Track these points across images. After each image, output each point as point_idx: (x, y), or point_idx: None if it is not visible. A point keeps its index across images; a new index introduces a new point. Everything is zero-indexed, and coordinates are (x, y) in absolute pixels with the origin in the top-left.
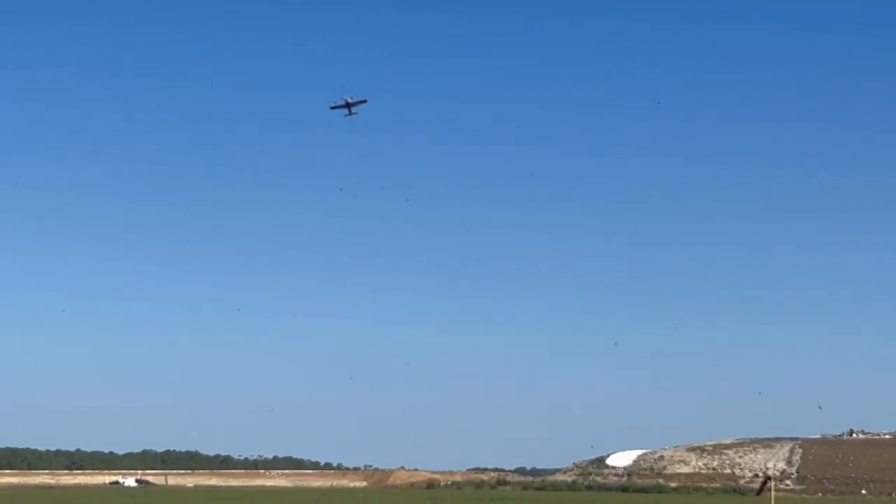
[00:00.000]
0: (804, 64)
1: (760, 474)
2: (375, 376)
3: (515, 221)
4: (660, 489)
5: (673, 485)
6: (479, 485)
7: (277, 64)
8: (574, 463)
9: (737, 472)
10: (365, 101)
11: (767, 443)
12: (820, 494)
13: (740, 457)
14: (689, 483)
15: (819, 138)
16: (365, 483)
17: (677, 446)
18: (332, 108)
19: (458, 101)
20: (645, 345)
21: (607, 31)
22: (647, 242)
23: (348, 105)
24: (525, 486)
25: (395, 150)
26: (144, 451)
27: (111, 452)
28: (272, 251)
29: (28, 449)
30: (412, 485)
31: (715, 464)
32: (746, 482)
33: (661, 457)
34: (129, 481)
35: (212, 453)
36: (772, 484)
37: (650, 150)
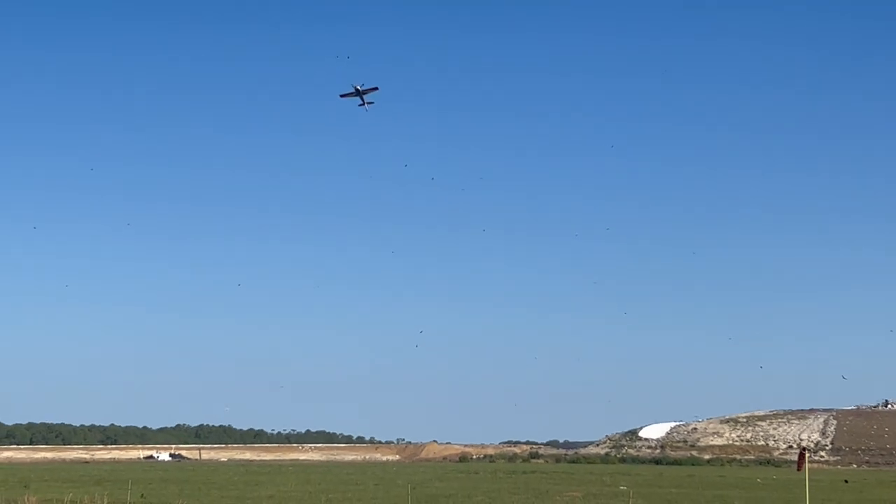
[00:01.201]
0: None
1: (795, 446)
2: (407, 350)
3: (549, 195)
4: (693, 461)
5: (706, 457)
6: (512, 458)
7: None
8: (607, 436)
9: (770, 443)
10: (376, 89)
11: (801, 414)
12: (854, 466)
13: (774, 428)
14: (723, 455)
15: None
16: (397, 456)
17: (710, 418)
18: (341, 96)
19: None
20: (678, 316)
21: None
22: (679, 214)
23: (359, 93)
24: (558, 459)
25: (419, 129)
26: (178, 426)
27: (145, 427)
28: (302, 222)
29: (63, 424)
30: (445, 458)
31: (749, 436)
32: (780, 454)
33: (695, 429)
34: (163, 455)
35: (245, 427)
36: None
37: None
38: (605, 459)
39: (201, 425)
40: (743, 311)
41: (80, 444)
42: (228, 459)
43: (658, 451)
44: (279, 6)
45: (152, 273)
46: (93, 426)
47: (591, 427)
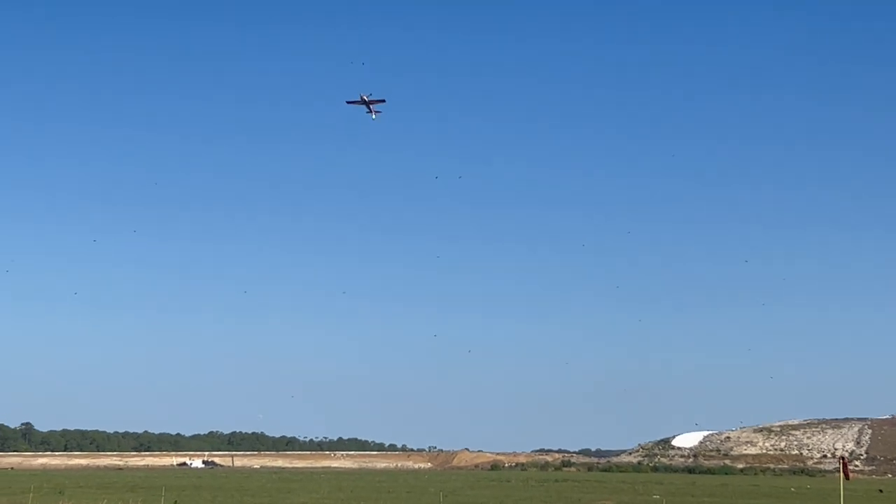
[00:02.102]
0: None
1: (829, 455)
2: (440, 359)
3: (577, 205)
4: (726, 470)
5: (740, 466)
6: (544, 466)
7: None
8: (639, 444)
9: (805, 452)
10: (383, 101)
11: (836, 423)
12: (890, 475)
13: (808, 437)
14: (757, 464)
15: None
16: (429, 464)
17: (744, 427)
18: (348, 102)
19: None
20: (710, 325)
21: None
22: (708, 218)
23: (365, 102)
24: (590, 468)
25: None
26: (211, 433)
27: (178, 434)
28: (332, 231)
29: (97, 431)
30: (476, 466)
31: (782, 445)
32: (814, 463)
33: (728, 438)
34: (196, 462)
35: (277, 435)
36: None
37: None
38: (638, 468)
39: (234, 432)
40: (777, 319)
41: (114, 451)
42: (261, 467)
43: (691, 459)
44: (291, 8)
45: (187, 281)
46: (126, 433)
47: (623, 435)
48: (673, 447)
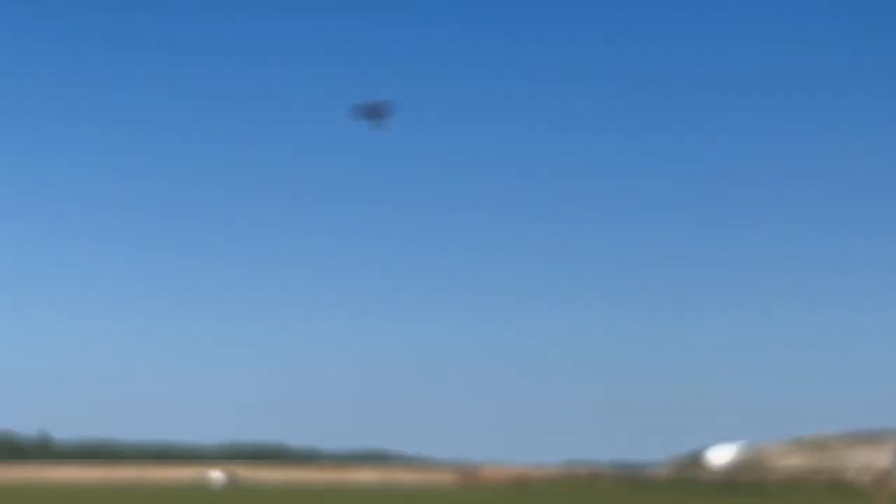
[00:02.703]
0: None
1: (867, 470)
2: (463, 369)
3: (601, 211)
4: (761, 485)
5: (775, 480)
6: (572, 479)
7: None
8: (671, 457)
9: (842, 466)
10: (392, 110)
11: (875, 436)
12: None
13: (846, 451)
14: (792, 478)
15: None
16: (454, 477)
17: (779, 440)
18: (352, 108)
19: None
20: (743, 334)
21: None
22: (746, 225)
23: (372, 108)
24: (620, 482)
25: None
26: (232, 444)
27: (199, 445)
28: (356, 244)
29: (116, 441)
30: (502, 479)
31: (819, 458)
32: (854, 478)
33: (762, 451)
34: (217, 474)
35: (300, 446)
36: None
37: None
38: (670, 484)
39: (256, 444)
40: (813, 327)
41: (133, 461)
42: (283, 479)
43: (724, 474)
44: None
45: (210, 295)
46: (145, 443)
47: (654, 447)
48: (705, 461)
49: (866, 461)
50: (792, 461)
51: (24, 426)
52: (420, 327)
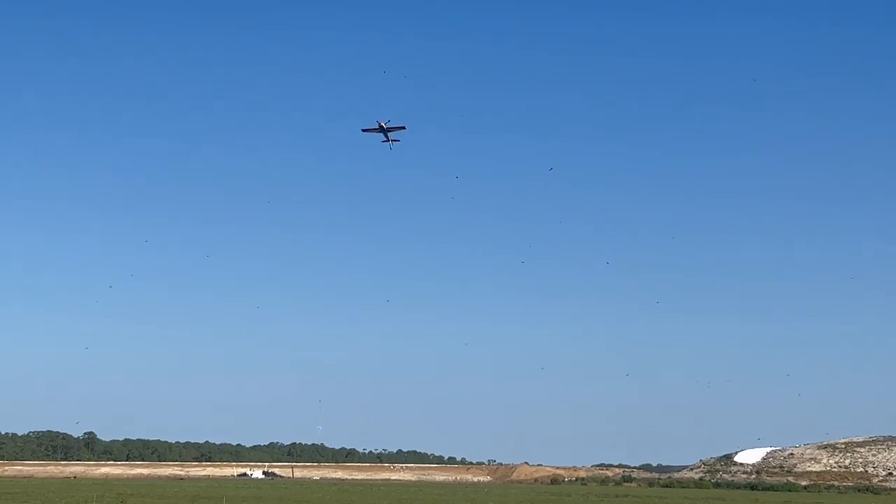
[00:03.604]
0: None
1: (895, 472)
2: (500, 373)
3: (643, 224)
4: (790, 487)
5: (803, 483)
6: (604, 481)
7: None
8: (701, 460)
9: (870, 470)
10: (403, 128)
11: None
12: None
13: (873, 455)
14: (820, 481)
15: None
16: (488, 477)
17: (808, 444)
18: (363, 130)
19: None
20: (773, 340)
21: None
22: (779, 237)
23: (383, 130)
24: (651, 483)
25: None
26: (271, 444)
27: (239, 445)
28: (396, 248)
29: (158, 441)
30: (536, 480)
31: (847, 462)
32: (880, 481)
33: (791, 454)
34: (257, 473)
35: (337, 446)
36: None
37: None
38: (699, 484)
39: (294, 443)
40: (841, 334)
41: (176, 461)
42: (321, 478)
43: (753, 476)
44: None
45: (248, 295)
46: (188, 443)
47: (684, 451)
48: (735, 463)
49: (893, 464)
50: (819, 464)
51: (72, 427)
52: (458, 333)
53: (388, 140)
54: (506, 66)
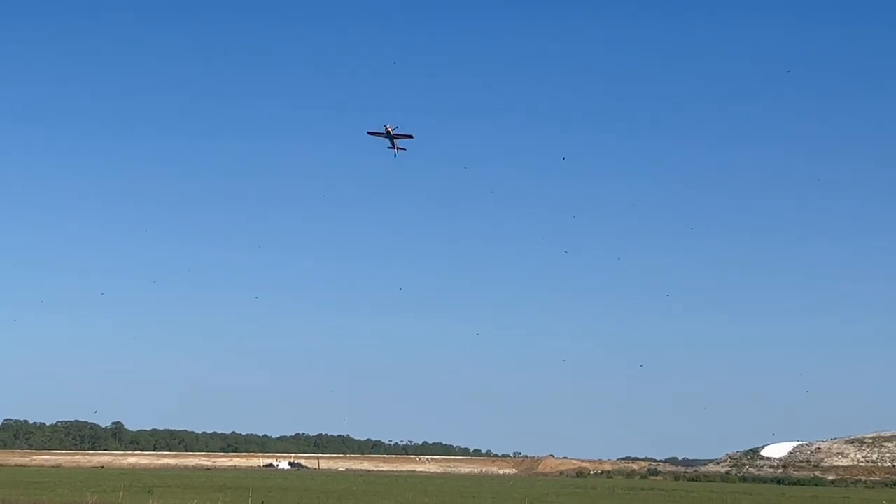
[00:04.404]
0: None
1: None
2: (525, 365)
3: (667, 222)
4: (816, 482)
5: (830, 478)
6: (630, 474)
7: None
8: (727, 454)
9: None
10: (410, 137)
11: None
12: None
13: None
14: (847, 476)
15: None
16: (514, 470)
17: (835, 438)
18: (369, 133)
19: None
20: (801, 336)
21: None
22: (804, 234)
23: (390, 135)
24: (677, 477)
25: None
26: (297, 435)
27: (265, 436)
28: (422, 239)
29: (186, 431)
30: (561, 472)
31: (874, 456)
32: None
33: (818, 448)
34: (283, 464)
35: (363, 438)
36: None
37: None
38: (726, 478)
39: (320, 435)
40: (870, 330)
41: (202, 452)
42: (346, 469)
43: (780, 470)
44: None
45: (274, 288)
46: (214, 434)
47: (711, 444)
48: (762, 457)
49: None
50: (847, 458)
51: (100, 417)
52: (483, 325)
53: (394, 147)
54: (517, 57)
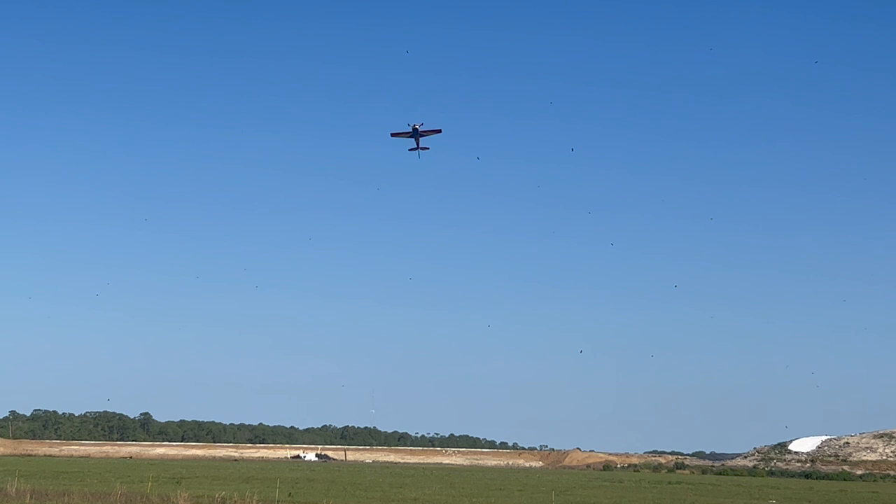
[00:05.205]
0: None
1: None
2: (553, 359)
3: (696, 220)
4: (845, 476)
5: (859, 472)
6: (657, 468)
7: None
8: (755, 448)
9: None
10: (439, 131)
11: None
12: None
13: None
14: (876, 471)
15: None
16: (540, 463)
17: (863, 433)
18: (393, 134)
19: None
20: (828, 330)
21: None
22: (830, 230)
23: (416, 133)
24: (704, 471)
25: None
26: (324, 427)
27: (292, 427)
28: (448, 231)
29: (213, 423)
30: (588, 466)
31: None
32: None
33: (847, 443)
34: (310, 455)
35: (390, 430)
36: None
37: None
38: (753, 472)
39: (347, 426)
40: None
41: (230, 443)
42: (373, 461)
43: (808, 464)
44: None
45: (301, 281)
46: (242, 425)
47: (738, 439)
48: (789, 451)
49: None
50: (875, 453)
51: (129, 408)
52: (511, 319)
53: (419, 147)
54: (527, 50)
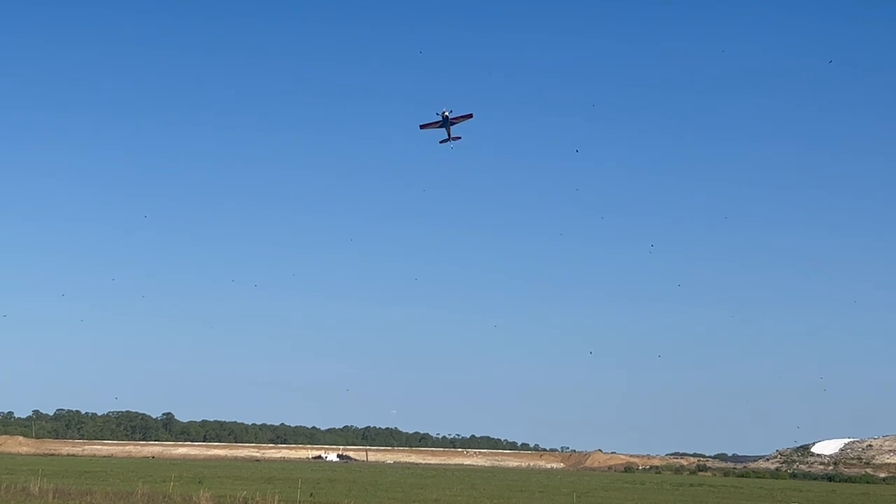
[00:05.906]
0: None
1: None
2: (575, 360)
3: (714, 220)
4: (867, 479)
5: (882, 475)
6: (678, 470)
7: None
8: (777, 450)
9: None
10: (470, 116)
11: None
12: None
13: None
14: None
15: None
16: (562, 464)
17: (887, 435)
18: (422, 126)
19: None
20: (851, 334)
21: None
22: (859, 233)
23: (447, 121)
24: (726, 473)
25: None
26: (346, 427)
27: (314, 428)
28: (467, 232)
29: (235, 423)
30: (609, 468)
31: None
32: None
33: (870, 446)
34: (332, 456)
35: (411, 431)
36: None
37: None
38: (775, 474)
39: (368, 427)
40: None
41: (252, 443)
42: (394, 462)
43: (831, 467)
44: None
45: (322, 282)
46: (264, 425)
47: (760, 441)
48: (812, 454)
49: None
50: None
51: (151, 408)
52: (531, 318)
53: (450, 138)
54: (535, 50)
